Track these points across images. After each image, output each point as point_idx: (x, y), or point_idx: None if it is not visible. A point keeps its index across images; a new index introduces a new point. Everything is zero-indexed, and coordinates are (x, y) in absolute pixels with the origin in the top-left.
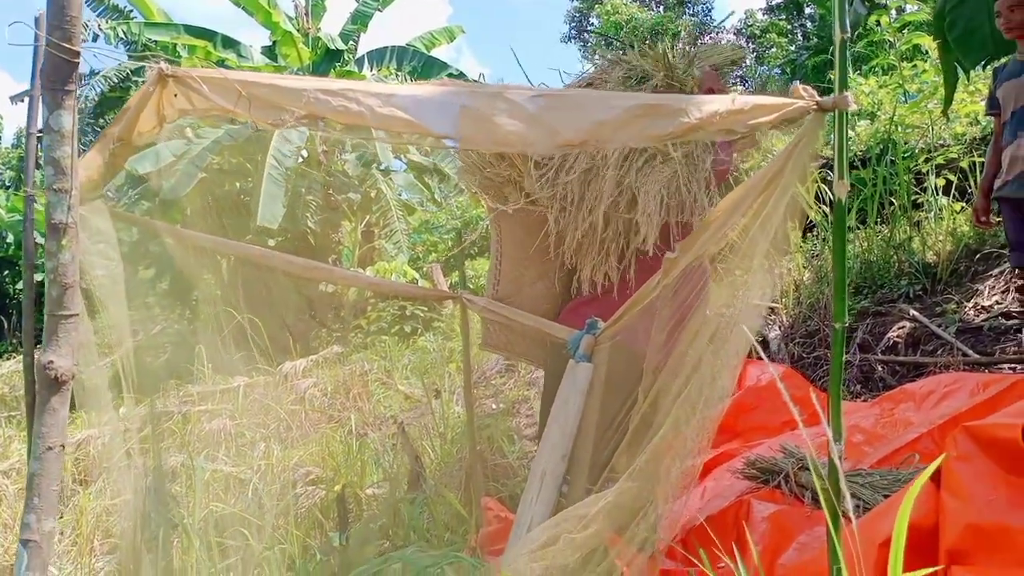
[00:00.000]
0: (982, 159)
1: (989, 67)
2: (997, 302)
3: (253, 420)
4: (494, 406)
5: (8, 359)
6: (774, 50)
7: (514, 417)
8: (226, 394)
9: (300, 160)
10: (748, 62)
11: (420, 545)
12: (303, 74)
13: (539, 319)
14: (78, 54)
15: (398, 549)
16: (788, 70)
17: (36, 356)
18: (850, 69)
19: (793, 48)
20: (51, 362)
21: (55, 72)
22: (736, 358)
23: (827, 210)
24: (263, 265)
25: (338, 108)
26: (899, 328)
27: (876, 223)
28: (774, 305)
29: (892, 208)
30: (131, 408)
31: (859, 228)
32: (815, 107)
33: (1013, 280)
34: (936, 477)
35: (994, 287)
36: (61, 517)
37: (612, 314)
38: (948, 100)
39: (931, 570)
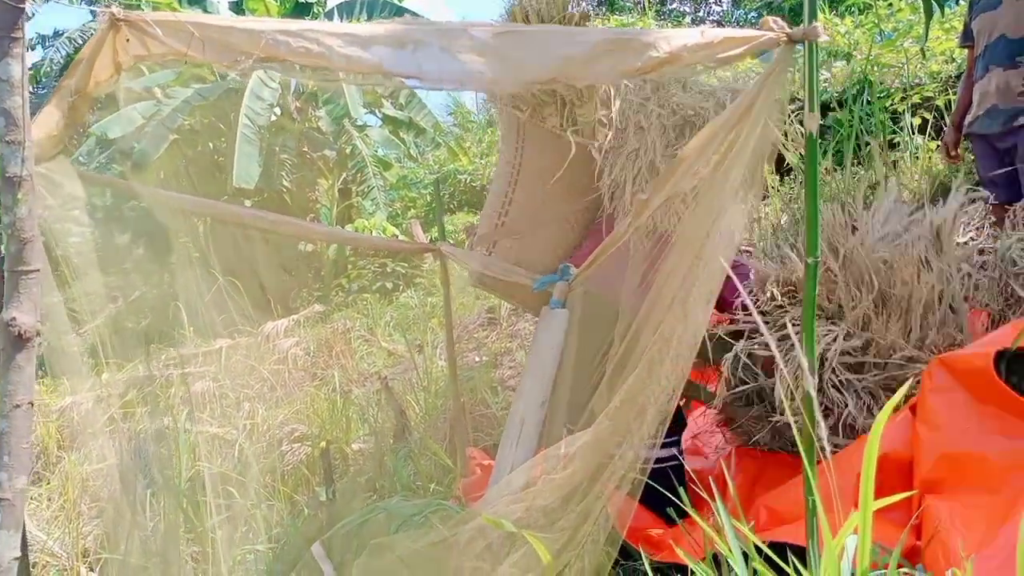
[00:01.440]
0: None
1: (965, 1)
2: (972, 239)
3: (236, 381)
4: (477, 359)
5: None
6: None
7: (497, 369)
8: (208, 356)
9: (273, 117)
10: (724, 6)
11: (405, 495)
12: None
13: (518, 271)
14: None
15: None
16: (765, 13)
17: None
18: (825, 6)
19: None
20: (14, 319)
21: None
22: (709, 296)
23: (802, 151)
24: (241, 225)
25: (298, 49)
26: None
27: (854, 164)
28: (751, 248)
29: (869, 149)
30: (113, 374)
31: (836, 169)
32: (785, 39)
33: (989, 216)
34: (914, 409)
35: (968, 224)
36: (48, 483)
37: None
38: (925, 36)
39: (898, 497)
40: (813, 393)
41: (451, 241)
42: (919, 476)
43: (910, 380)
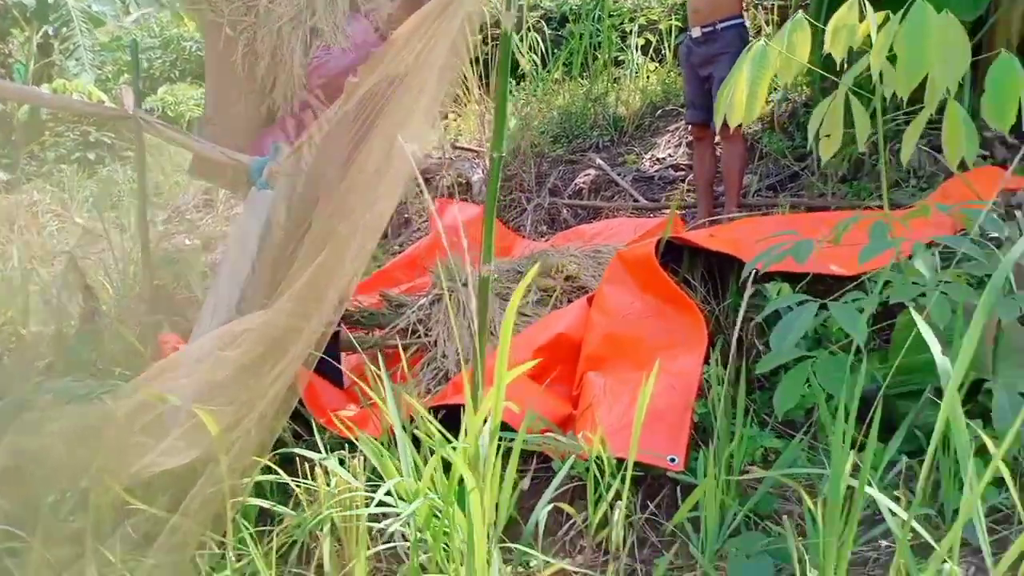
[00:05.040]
0: (679, 23)
1: None
2: (670, 155)
3: None
4: (188, 241)
5: None
6: None
7: (210, 253)
8: None
9: None
10: None
11: (79, 377)
12: None
13: (216, 147)
14: None
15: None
16: None
17: None
18: None
19: None
20: None
21: None
22: (398, 184)
23: (536, 59)
24: None
25: None
26: (585, 175)
27: (581, 76)
28: (478, 149)
29: (596, 63)
30: None
31: (566, 80)
32: None
33: (686, 135)
34: (591, 300)
35: (670, 141)
36: None
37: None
38: None
39: (523, 368)
40: (492, 271)
41: (170, 113)
42: (585, 353)
43: (538, 264)
